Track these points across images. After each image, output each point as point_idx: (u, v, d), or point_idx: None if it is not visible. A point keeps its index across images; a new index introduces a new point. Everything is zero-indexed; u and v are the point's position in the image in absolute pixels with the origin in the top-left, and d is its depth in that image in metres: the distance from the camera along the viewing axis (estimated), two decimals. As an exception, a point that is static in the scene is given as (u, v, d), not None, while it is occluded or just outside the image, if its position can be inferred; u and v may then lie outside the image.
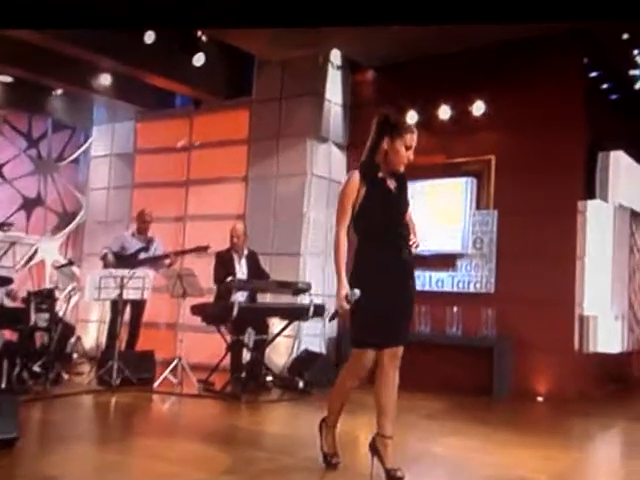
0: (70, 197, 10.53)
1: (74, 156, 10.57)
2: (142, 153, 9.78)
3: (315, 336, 7.82)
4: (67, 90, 9.53)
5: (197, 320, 6.91)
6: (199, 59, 7.65)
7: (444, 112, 7.52)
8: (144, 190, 9.57)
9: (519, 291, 7.04)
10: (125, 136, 10.02)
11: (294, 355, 7.46)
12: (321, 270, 8.07)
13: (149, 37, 7.29)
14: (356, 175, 3.65)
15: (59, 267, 8.48)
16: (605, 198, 7.64)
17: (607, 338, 7.46)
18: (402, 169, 3.68)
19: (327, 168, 8.24)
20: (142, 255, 7.30)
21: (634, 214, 7.91)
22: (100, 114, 10.38)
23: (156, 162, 9.56)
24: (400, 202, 3.70)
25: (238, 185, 8.63)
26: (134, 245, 7.39)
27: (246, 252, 7.09)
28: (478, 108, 7.36)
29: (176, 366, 6.70)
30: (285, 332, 7.10)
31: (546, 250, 6.96)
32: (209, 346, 7.27)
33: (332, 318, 3.68)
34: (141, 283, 6.50)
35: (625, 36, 6.94)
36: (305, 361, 7.20)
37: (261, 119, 8.48)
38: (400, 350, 3.64)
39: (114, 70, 8.57)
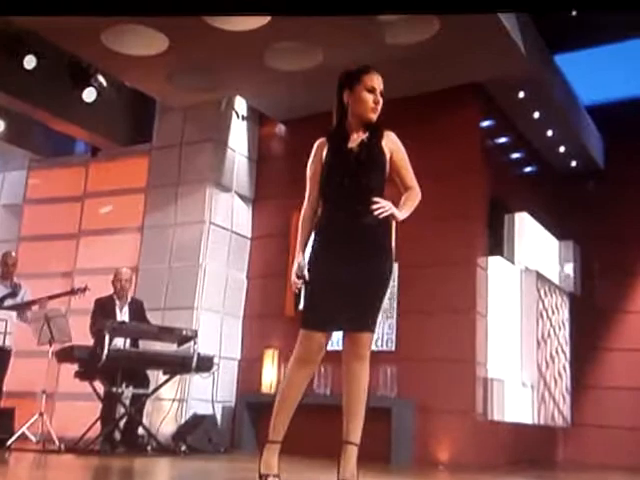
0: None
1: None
2: (32, 204, 9.75)
3: (207, 401, 7.62)
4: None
5: (78, 388, 6.74)
6: (90, 94, 7.79)
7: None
8: (31, 243, 9.48)
9: (420, 349, 7.23)
10: (15, 186, 9.98)
11: (180, 421, 7.31)
12: (218, 328, 8.09)
13: (29, 62, 7.18)
14: (320, 140, 3.53)
15: None
16: (512, 260, 8.05)
17: (515, 406, 7.68)
18: (373, 117, 3.46)
19: (229, 219, 8.41)
20: (8, 302, 6.99)
21: (541, 277, 8.30)
22: (-10, 162, 10.38)
23: (46, 213, 9.52)
24: (362, 161, 3.41)
25: (133, 235, 8.68)
26: None
27: (129, 300, 7.05)
28: (380, 159, 7.74)
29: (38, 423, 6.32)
30: (170, 395, 6.99)
31: (447, 306, 7.22)
32: (91, 418, 6.74)
33: (296, 300, 3.45)
34: (2, 327, 6.22)
35: (521, 95, 7.54)
36: (190, 426, 7.09)
37: (160, 166, 8.66)
38: (362, 338, 3.37)
39: (5, 112, 8.65)
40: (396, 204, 3.53)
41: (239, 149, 8.69)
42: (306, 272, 3.36)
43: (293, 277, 3.40)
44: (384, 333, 7.45)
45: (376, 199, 3.39)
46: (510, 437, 7.65)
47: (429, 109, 7.70)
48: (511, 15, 6.51)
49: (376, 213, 3.36)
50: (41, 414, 6.35)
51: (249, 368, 8.20)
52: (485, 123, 7.95)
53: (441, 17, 6.13)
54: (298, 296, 3.41)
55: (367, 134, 3.49)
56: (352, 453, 3.36)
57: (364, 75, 3.47)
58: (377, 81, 3.48)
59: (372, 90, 3.46)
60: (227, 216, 8.40)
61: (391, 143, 3.53)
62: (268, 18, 6.15)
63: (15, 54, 7.16)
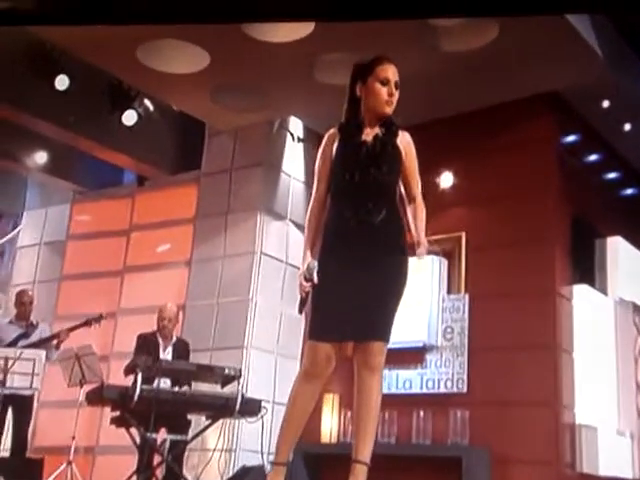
0: (-14, 296, 10.87)
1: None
2: (75, 239, 10.26)
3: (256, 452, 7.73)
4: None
5: (121, 440, 6.84)
6: (130, 118, 8.21)
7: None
8: (74, 282, 9.97)
9: (495, 390, 7.23)
10: (58, 221, 10.53)
11: (228, 474, 7.40)
12: (271, 369, 8.25)
13: (61, 83, 7.55)
14: (331, 131, 3.69)
15: None
16: (604, 290, 8.01)
17: (611, 458, 7.56)
18: (388, 110, 3.61)
19: (283, 249, 8.63)
20: (22, 343, 7.16)
21: (638, 309, 8.20)
22: (33, 197, 10.98)
23: (90, 249, 10.02)
24: (376, 155, 3.55)
25: (180, 270, 9.02)
26: (11, 333, 7.27)
27: (175, 340, 7.30)
28: (446, 180, 7.93)
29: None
30: (218, 444, 7.14)
31: (525, 341, 7.21)
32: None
33: (301, 305, 3.54)
34: (30, 367, 6.20)
35: (605, 104, 7.58)
36: (238, 478, 7.22)
37: (209, 194, 9.01)
38: (374, 347, 3.48)
39: (48, 142, 9.20)
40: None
41: (294, 174, 8.93)
42: (315, 275, 3.47)
43: (301, 279, 3.53)
44: (454, 373, 7.51)
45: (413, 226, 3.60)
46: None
47: (499, 122, 7.84)
48: (584, 16, 6.61)
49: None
50: (69, 463, 6.64)
51: (307, 415, 8.30)
52: (569, 137, 8.02)
53: (500, 20, 6.30)
54: (305, 300, 3.52)
55: (382, 129, 3.64)
56: (360, 473, 3.47)
57: (377, 66, 3.61)
58: (391, 72, 3.62)
59: (386, 82, 3.59)
60: (281, 246, 8.62)
61: (406, 143, 3.68)
62: (312, 27, 6.44)
63: (45, 74, 7.58)
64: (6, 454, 7.16)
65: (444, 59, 6.99)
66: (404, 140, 3.69)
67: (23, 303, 7.57)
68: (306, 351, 3.57)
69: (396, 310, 3.58)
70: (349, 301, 3.48)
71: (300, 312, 3.59)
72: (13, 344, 7.08)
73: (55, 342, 7.22)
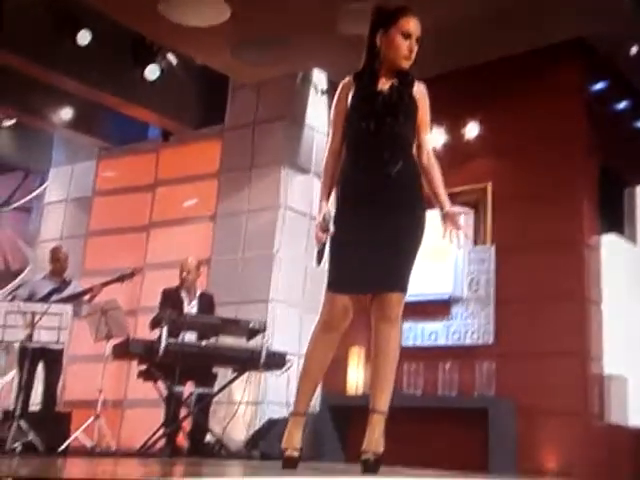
0: (15, 251, 11.02)
1: (18, 203, 11.14)
2: (101, 195, 10.34)
3: (282, 404, 7.76)
4: (20, 122, 10.18)
5: (149, 393, 7.05)
6: (152, 72, 8.22)
7: (435, 136, 7.96)
8: (100, 238, 10.07)
9: (521, 342, 7.23)
10: (84, 177, 10.60)
11: (255, 427, 7.56)
12: (296, 323, 8.28)
13: (83, 38, 7.56)
14: (346, 80, 3.66)
15: None
16: (633, 240, 7.93)
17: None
18: (406, 65, 3.58)
19: (307, 203, 8.59)
20: (54, 297, 7.25)
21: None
22: (59, 154, 11.03)
23: (116, 205, 10.10)
24: (392, 105, 3.53)
25: (205, 225, 9.08)
26: (44, 289, 7.37)
27: (199, 292, 7.38)
28: (472, 130, 7.85)
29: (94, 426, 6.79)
30: (244, 398, 7.21)
31: (552, 292, 7.17)
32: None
33: (318, 257, 3.50)
34: (57, 321, 6.25)
35: (634, 50, 7.42)
36: (264, 431, 7.29)
37: (233, 148, 9.01)
38: (392, 298, 3.48)
39: (72, 98, 9.22)
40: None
41: (319, 127, 8.87)
42: (332, 225, 3.46)
43: (317, 230, 3.51)
44: (480, 324, 7.50)
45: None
46: (634, 443, 7.52)
47: (525, 70, 7.75)
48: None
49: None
50: (97, 416, 6.75)
51: (332, 368, 8.19)
52: (597, 85, 7.90)
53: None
54: (322, 251, 3.50)
55: (401, 81, 3.60)
56: (377, 422, 3.50)
57: (401, 17, 3.55)
58: (414, 25, 3.56)
59: (408, 35, 3.54)
60: (305, 200, 8.59)
61: (420, 94, 3.65)
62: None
63: (66, 29, 7.58)
64: (36, 408, 7.26)
65: (471, 6, 6.89)
66: (419, 91, 3.66)
67: (58, 259, 7.66)
68: (324, 302, 3.56)
69: (413, 261, 3.55)
70: (366, 252, 3.48)
71: (318, 263, 3.55)
72: (46, 299, 7.17)
73: (88, 297, 7.34)
